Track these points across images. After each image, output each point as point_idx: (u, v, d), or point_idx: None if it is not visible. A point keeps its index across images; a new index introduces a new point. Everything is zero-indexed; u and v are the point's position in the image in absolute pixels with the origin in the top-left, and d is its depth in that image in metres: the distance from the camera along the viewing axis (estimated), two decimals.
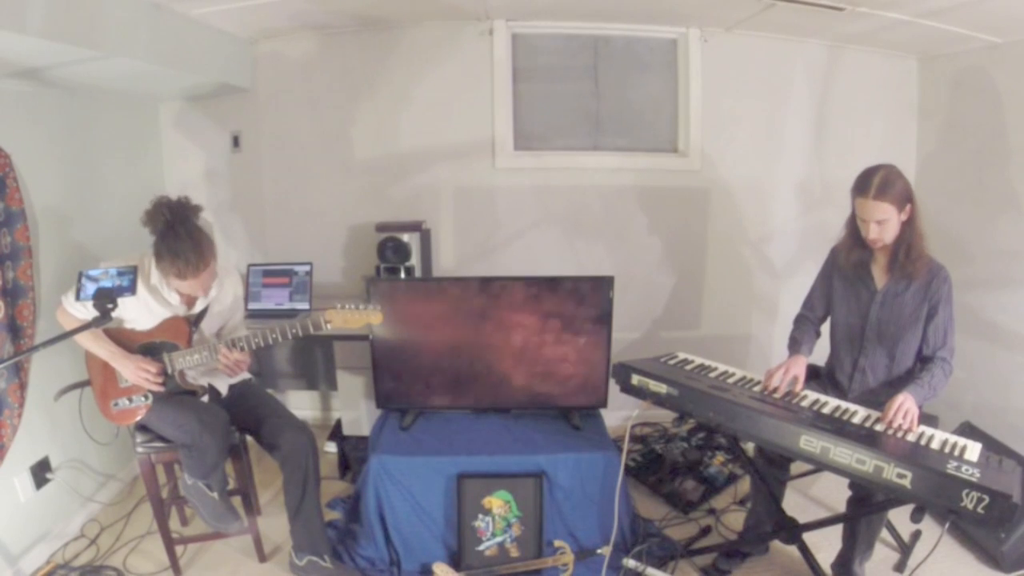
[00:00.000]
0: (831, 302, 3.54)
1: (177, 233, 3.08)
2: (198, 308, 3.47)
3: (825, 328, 3.63)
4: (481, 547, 3.75)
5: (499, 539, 3.75)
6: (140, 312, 3.33)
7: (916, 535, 3.87)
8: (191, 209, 3.20)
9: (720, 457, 4.72)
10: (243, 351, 3.37)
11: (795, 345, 3.53)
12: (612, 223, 5.26)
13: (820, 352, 3.64)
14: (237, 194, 5.24)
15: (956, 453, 2.75)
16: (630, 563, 3.65)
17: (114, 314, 3.01)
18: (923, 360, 3.25)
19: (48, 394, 3.65)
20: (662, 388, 3.33)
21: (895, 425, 2.92)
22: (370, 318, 3.31)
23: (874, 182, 3.05)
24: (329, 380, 5.13)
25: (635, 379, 3.44)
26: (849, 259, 3.35)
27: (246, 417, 3.61)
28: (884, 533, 3.68)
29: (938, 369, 3.13)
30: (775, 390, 3.30)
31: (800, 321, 3.67)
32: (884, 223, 3.08)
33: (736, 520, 4.10)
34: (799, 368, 3.37)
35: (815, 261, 3.63)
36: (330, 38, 4.97)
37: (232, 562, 3.86)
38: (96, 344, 3.30)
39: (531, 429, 4.05)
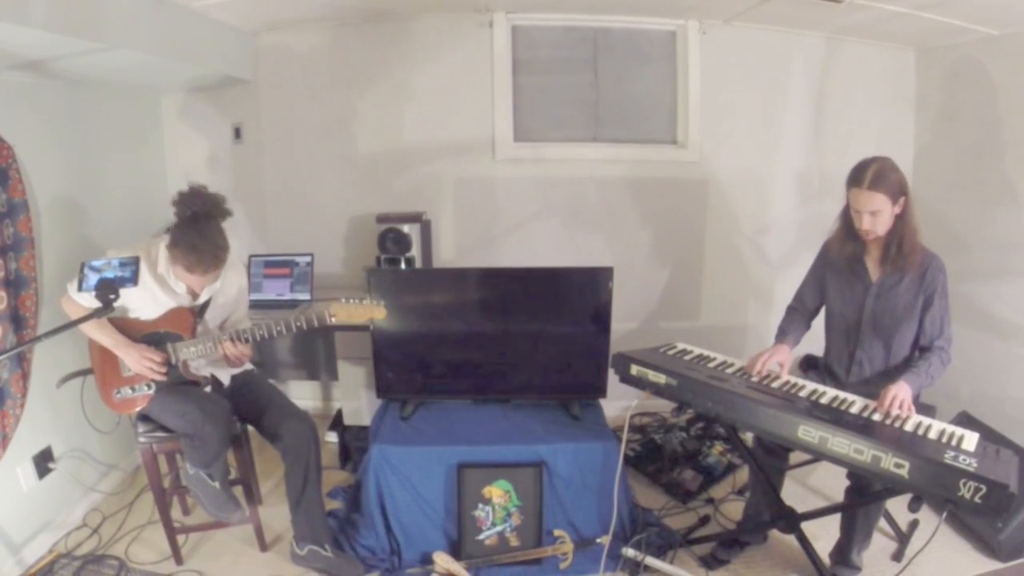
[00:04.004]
0: (825, 295, 3.55)
1: (201, 230, 3.16)
2: (202, 299, 3.48)
3: (820, 321, 3.65)
4: (481, 536, 3.77)
5: (499, 528, 3.77)
6: (145, 302, 3.34)
7: (914, 524, 3.88)
8: (222, 211, 3.30)
9: (719, 447, 4.75)
10: (246, 343, 3.39)
11: (781, 335, 3.57)
12: (611, 214, 5.27)
13: (819, 343, 3.66)
14: (238, 185, 5.23)
15: (954, 443, 2.77)
16: (629, 552, 3.67)
17: (118, 303, 3.01)
18: (921, 350, 3.27)
19: (51, 384, 3.66)
20: (661, 378, 3.34)
21: (891, 415, 2.95)
22: (373, 313, 3.32)
23: (869, 173, 3.07)
24: (330, 370, 5.15)
25: (634, 369, 3.46)
26: (842, 252, 3.37)
27: (248, 407, 3.63)
28: (882, 522, 3.70)
29: (936, 358, 3.15)
30: (775, 378, 3.33)
31: (790, 313, 3.69)
32: (877, 214, 3.09)
33: (735, 510, 4.13)
34: (783, 356, 3.41)
35: (812, 252, 3.64)
36: (331, 31, 4.98)
37: (233, 551, 3.88)
38: (101, 333, 3.31)
39: (531, 419, 4.06)
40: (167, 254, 3.28)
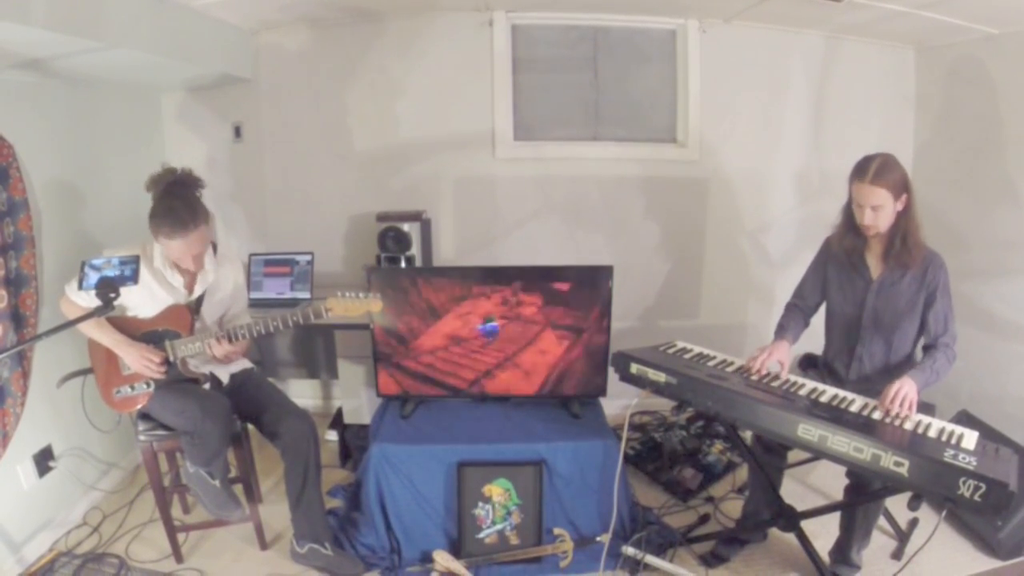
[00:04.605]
0: (826, 292, 3.56)
1: (174, 193, 3.20)
2: (197, 292, 3.49)
3: (820, 317, 3.65)
4: (481, 535, 3.77)
5: (499, 527, 3.78)
6: (143, 299, 3.35)
7: (913, 523, 3.89)
8: (194, 180, 3.33)
9: (718, 445, 4.76)
10: (242, 339, 3.40)
11: (781, 331, 3.56)
12: (611, 213, 5.28)
13: (818, 340, 3.67)
14: (239, 184, 5.25)
15: (953, 441, 2.78)
16: (629, 551, 3.67)
17: (117, 302, 3.02)
18: (924, 348, 3.27)
19: (51, 383, 3.66)
20: (661, 377, 3.34)
21: (892, 413, 2.95)
22: (370, 306, 3.33)
23: (872, 167, 3.08)
24: (330, 369, 5.16)
25: (634, 368, 3.46)
26: (842, 245, 3.37)
27: (248, 405, 3.64)
28: (881, 521, 3.70)
29: (941, 355, 3.14)
30: (773, 377, 3.33)
31: (790, 309, 3.69)
32: (879, 208, 3.09)
33: (734, 508, 4.13)
34: (782, 353, 3.41)
35: (812, 251, 3.64)
36: (331, 30, 4.98)
37: (234, 549, 3.88)
38: (100, 332, 3.32)
39: (530, 417, 4.06)
40: (158, 243, 3.29)
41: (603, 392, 4.16)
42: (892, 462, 2.66)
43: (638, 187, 5.24)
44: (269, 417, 3.55)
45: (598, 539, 3.72)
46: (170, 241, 3.19)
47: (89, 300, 3.11)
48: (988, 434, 3.55)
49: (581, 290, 3.98)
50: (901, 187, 3.09)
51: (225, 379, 3.70)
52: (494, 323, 4.00)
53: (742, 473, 4.47)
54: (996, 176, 4.35)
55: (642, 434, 5.01)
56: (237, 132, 5.22)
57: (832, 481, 4.31)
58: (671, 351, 3.70)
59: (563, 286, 3.97)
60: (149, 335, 3.39)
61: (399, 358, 4.09)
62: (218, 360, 3.47)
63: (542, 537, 3.78)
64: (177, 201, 3.17)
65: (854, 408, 3.04)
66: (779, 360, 3.38)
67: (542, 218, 5.27)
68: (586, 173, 5.22)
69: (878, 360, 3.38)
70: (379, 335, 4.04)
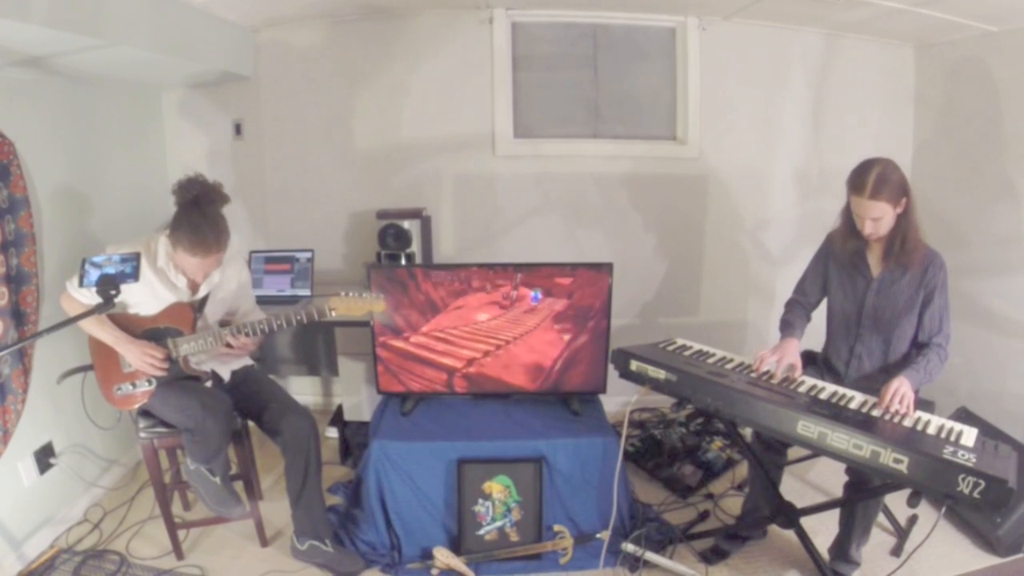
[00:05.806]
0: (827, 288, 3.56)
1: (203, 211, 3.17)
2: (201, 293, 3.48)
3: (820, 314, 3.65)
4: (481, 531, 3.78)
5: (499, 524, 3.78)
6: (145, 297, 3.35)
7: (912, 520, 3.89)
8: (221, 196, 3.31)
9: (718, 442, 4.76)
10: (250, 336, 3.40)
11: (788, 328, 3.55)
12: (611, 210, 5.28)
13: (817, 337, 3.67)
14: (239, 181, 5.22)
15: (952, 438, 2.78)
16: (629, 547, 3.68)
17: (118, 299, 3.02)
18: (919, 346, 3.28)
19: (52, 380, 3.66)
20: (661, 374, 3.35)
21: (891, 410, 2.95)
22: (373, 306, 3.34)
23: (869, 180, 3.05)
24: (330, 366, 5.16)
25: (634, 365, 3.47)
26: (845, 247, 3.36)
27: (248, 402, 3.63)
28: (881, 518, 3.71)
29: (933, 354, 3.15)
30: (771, 375, 3.33)
31: (791, 305, 3.68)
32: (879, 220, 3.09)
33: (734, 505, 4.13)
34: (794, 355, 3.39)
35: (812, 248, 3.64)
36: (331, 27, 4.98)
37: (234, 546, 3.89)
38: (100, 329, 3.31)
39: (530, 414, 4.07)
40: (167, 245, 3.29)
41: (603, 389, 4.17)
42: (891, 459, 2.66)
43: (638, 184, 5.24)
44: (270, 414, 3.54)
45: (598, 536, 3.73)
46: (189, 258, 3.19)
47: (90, 297, 3.11)
48: (987, 431, 3.56)
49: (581, 287, 3.98)
50: (900, 193, 3.07)
51: (226, 376, 3.70)
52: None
53: (742, 470, 4.47)
54: (995, 174, 4.36)
55: (642, 431, 5.02)
56: (238, 129, 5.22)
57: (832, 478, 4.32)
58: (671, 348, 3.70)
59: (563, 282, 3.97)
60: (151, 332, 3.39)
61: (400, 355, 4.09)
62: (234, 353, 3.47)
63: (542, 534, 3.78)
64: (205, 222, 3.15)
65: (853, 405, 3.05)
66: (791, 363, 3.37)
67: (542, 215, 5.28)
68: (586, 170, 5.23)
69: (876, 358, 3.39)
70: (379, 330, 4.04)
